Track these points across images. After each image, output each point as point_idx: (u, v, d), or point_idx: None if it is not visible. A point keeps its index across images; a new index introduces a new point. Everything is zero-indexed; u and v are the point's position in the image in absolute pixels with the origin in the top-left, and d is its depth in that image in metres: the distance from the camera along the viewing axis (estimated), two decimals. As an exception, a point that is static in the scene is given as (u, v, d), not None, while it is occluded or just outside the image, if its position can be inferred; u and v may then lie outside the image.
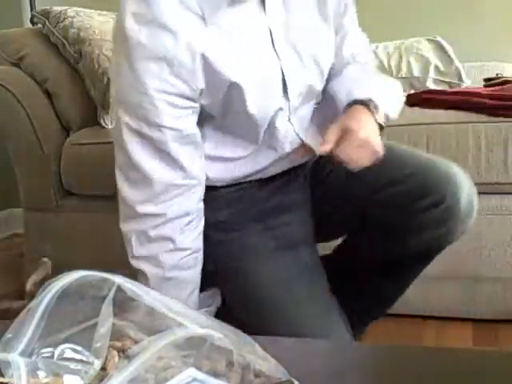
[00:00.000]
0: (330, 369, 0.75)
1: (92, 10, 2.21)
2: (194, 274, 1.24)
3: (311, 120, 1.35)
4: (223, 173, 1.28)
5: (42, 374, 0.56)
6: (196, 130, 1.19)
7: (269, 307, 1.21)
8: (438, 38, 2.36)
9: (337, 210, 1.36)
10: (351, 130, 1.13)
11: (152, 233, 1.18)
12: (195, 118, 1.18)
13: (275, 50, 1.21)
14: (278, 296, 1.23)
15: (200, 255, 1.24)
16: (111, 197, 2.09)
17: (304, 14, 1.26)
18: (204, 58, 1.11)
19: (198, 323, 0.57)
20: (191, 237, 1.21)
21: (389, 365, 0.76)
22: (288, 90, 1.23)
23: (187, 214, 1.19)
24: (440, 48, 2.32)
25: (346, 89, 1.28)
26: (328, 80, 1.35)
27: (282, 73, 1.22)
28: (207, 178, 1.24)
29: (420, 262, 1.38)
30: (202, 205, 1.23)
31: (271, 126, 1.24)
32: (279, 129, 1.25)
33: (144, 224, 1.18)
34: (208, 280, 1.29)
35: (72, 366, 0.57)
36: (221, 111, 1.20)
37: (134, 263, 1.21)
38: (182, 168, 1.16)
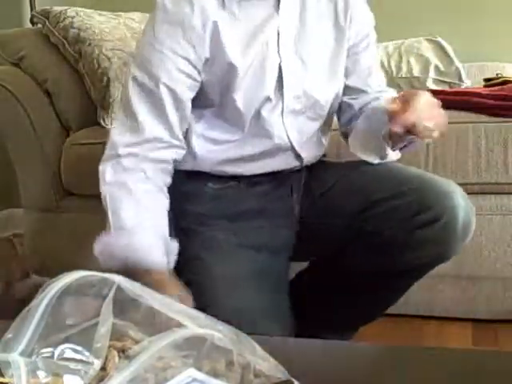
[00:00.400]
0: (330, 369, 0.75)
1: (92, 10, 2.21)
2: (163, 206, 1.28)
3: (315, 138, 1.42)
4: (209, 153, 1.35)
5: (41, 374, 0.56)
6: (189, 104, 1.29)
7: (214, 300, 1.22)
8: (438, 38, 2.35)
9: (335, 224, 1.38)
10: (415, 94, 1.16)
11: (128, 163, 1.26)
12: (191, 94, 1.29)
13: (279, 50, 1.30)
14: (225, 289, 1.25)
15: (167, 198, 1.29)
16: (111, 197, 2.09)
17: (319, 32, 1.36)
18: (215, 25, 1.25)
19: (198, 323, 0.57)
20: (163, 179, 1.29)
21: (389, 365, 0.76)
22: (284, 88, 1.32)
23: (164, 162, 1.29)
24: (440, 48, 2.32)
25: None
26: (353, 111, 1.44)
27: (280, 69, 1.31)
28: (195, 158, 1.34)
29: (413, 276, 1.40)
30: (172, 170, 1.31)
31: (258, 114, 1.32)
32: (266, 118, 1.32)
33: (123, 160, 1.26)
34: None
35: (72, 366, 0.57)
36: (218, 95, 1.31)
37: (104, 190, 1.26)
38: (170, 128, 1.28)
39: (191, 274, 1.27)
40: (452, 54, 2.29)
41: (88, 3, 2.28)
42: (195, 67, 1.27)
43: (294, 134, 1.37)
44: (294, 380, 0.58)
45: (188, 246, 1.32)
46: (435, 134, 1.17)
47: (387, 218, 1.30)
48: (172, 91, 1.26)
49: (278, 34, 1.31)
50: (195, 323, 0.57)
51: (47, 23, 2.10)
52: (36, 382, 0.55)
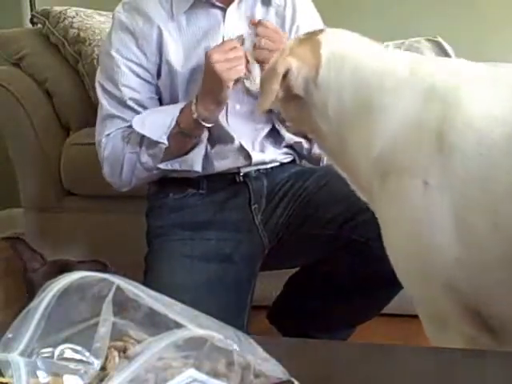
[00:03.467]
0: (329, 369, 0.75)
1: (92, 10, 2.21)
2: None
3: (270, 141, 1.46)
4: None
5: (41, 374, 0.56)
6: (153, 102, 1.41)
7: None
8: (438, 38, 2.35)
9: (319, 234, 1.39)
10: None
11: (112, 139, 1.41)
12: (153, 95, 1.41)
13: None
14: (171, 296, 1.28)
15: None
16: (111, 197, 2.09)
17: None
18: (162, 35, 1.38)
19: (199, 324, 0.57)
20: None
21: (389, 365, 0.76)
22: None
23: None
24: (440, 48, 2.32)
25: None
26: None
27: None
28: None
29: None
30: None
31: None
32: None
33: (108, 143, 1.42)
34: None
35: (72, 366, 0.57)
36: (169, 100, 1.41)
37: (113, 156, 1.41)
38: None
39: (144, 282, 1.30)
40: (452, 53, 2.29)
41: (88, 3, 2.28)
42: (149, 72, 1.39)
43: (243, 131, 1.41)
44: (294, 380, 0.58)
45: (147, 257, 1.41)
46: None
47: (372, 228, 1.30)
48: (134, 91, 1.38)
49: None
50: (195, 324, 0.57)
51: (47, 23, 2.10)
52: (36, 382, 0.55)
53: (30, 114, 2.01)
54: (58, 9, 2.13)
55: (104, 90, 1.41)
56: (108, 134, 1.40)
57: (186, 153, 1.37)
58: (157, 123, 1.34)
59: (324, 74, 1.01)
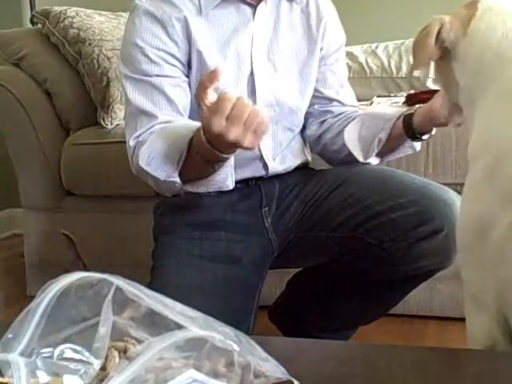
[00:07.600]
0: (330, 369, 0.75)
1: (92, 10, 2.21)
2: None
3: (291, 149, 1.45)
4: None
5: (41, 374, 0.56)
6: (187, 88, 1.33)
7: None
8: (438, 38, 2.35)
9: (331, 236, 1.37)
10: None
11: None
12: (186, 82, 1.32)
13: (251, 54, 1.35)
14: (176, 295, 1.25)
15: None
16: (111, 197, 2.09)
17: (291, 41, 1.41)
18: (192, 31, 1.30)
19: (199, 325, 0.57)
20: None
21: (389, 365, 0.76)
22: (256, 94, 1.35)
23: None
24: (440, 48, 2.32)
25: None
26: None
27: (252, 76, 1.35)
28: None
29: (415, 282, 1.41)
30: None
31: None
32: None
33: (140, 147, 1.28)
34: None
35: (72, 366, 0.57)
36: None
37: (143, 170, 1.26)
38: (177, 109, 1.31)
39: (152, 279, 1.29)
40: (452, 53, 2.28)
41: (88, 3, 2.28)
42: (179, 60, 1.31)
43: (267, 143, 1.38)
44: (294, 380, 0.58)
45: (154, 254, 1.36)
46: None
47: (387, 231, 1.30)
48: (167, 77, 1.30)
49: (252, 42, 1.35)
50: (196, 325, 0.57)
51: (47, 23, 2.10)
52: (36, 382, 0.55)
53: (30, 114, 2.01)
54: (57, 9, 2.13)
55: (133, 80, 1.31)
56: (138, 136, 1.28)
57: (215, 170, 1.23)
58: (163, 160, 1.21)
59: (476, 24, 1.00)
